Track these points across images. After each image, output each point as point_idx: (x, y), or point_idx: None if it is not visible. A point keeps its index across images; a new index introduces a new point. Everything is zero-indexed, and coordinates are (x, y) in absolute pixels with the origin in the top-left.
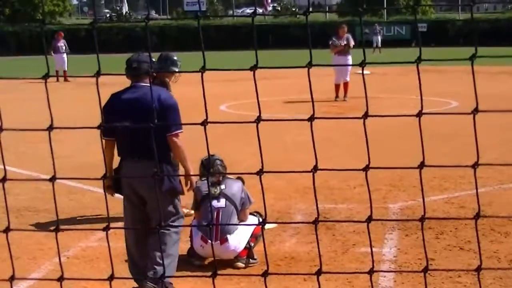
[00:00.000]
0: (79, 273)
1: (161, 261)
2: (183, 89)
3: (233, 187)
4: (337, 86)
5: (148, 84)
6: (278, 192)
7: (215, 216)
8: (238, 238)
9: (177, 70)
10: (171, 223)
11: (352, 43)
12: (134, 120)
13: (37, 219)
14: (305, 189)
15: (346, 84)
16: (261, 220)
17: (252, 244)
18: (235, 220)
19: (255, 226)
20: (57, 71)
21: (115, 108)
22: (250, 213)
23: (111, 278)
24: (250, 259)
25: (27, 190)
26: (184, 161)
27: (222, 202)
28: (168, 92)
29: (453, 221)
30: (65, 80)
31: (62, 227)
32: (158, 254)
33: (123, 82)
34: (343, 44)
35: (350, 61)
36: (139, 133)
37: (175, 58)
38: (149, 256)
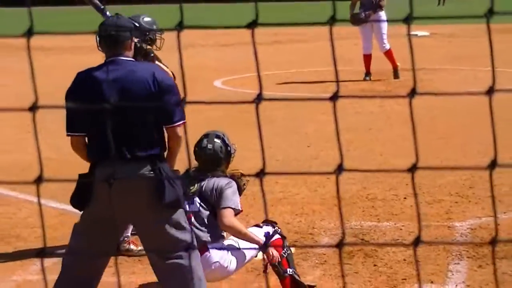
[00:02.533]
0: None
1: None
2: (166, 58)
3: (212, 185)
4: (366, 58)
5: (133, 59)
6: (297, 205)
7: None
8: (226, 252)
9: (155, 37)
10: (183, 252)
11: (384, 1)
12: (118, 109)
13: None
14: (335, 199)
15: (388, 54)
16: (272, 229)
17: (290, 270)
18: (216, 227)
19: (267, 242)
20: None
21: (87, 92)
22: (256, 225)
23: None
24: None
25: None
26: (174, 158)
27: (196, 205)
28: (162, 69)
29: None
30: None
31: None
32: None
33: (78, 46)
34: (365, 14)
35: (383, 18)
36: (127, 125)
37: (147, 18)
38: None
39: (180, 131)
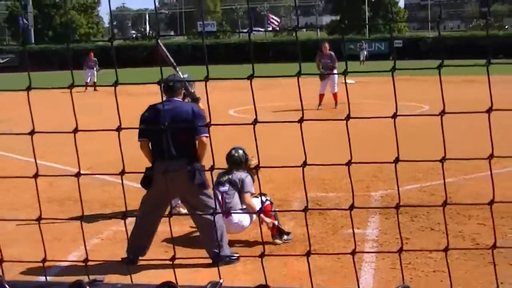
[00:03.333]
0: (111, 252)
1: (216, 243)
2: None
3: (236, 176)
4: (321, 96)
5: (181, 100)
6: (279, 183)
7: (220, 198)
8: (242, 215)
9: (193, 86)
10: (210, 211)
11: (336, 63)
12: (169, 128)
13: (77, 208)
14: (302, 180)
15: (334, 95)
16: (265, 199)
17: (276, 222)
18: (237, 201)
19: (261, 206)
20: (86, 83)
21: (153, 116)
22: (255, 196)
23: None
24: (285, 235)
25: (69, 183)
26: (202, 158)
27: (226, 187)
28: (197, 106)
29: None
30: (95, 89)
31: (96, 214)
32: (212, 237)
33: (148, 92)
34: (327, 68)
35: (335, 75)
36: (174, 136)
37: (186, 74)
38: (205, 241)
39: (205, 140)
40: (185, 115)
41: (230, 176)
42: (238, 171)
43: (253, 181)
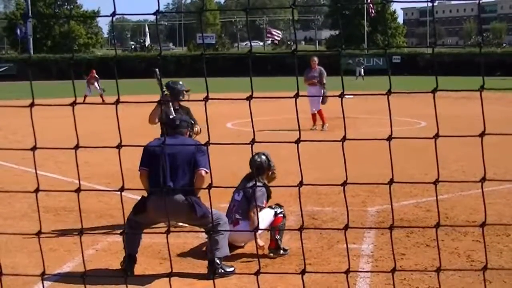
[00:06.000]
0: (106, 263)
1: (215, 255)
2: (195, 109)
3: (251, 187)
4: (313, 115)
5: (185, 137)
6: (275, 197)
7: (233, 207)
8: (249, 224)
9: (184, 95)
10: (216, 225)
11: (323, 78)
12: (174, 160)
13: (72, 218)
14: (298, 194)
15: (319, 112)
16: (279, 211)
17: (278, 237)
18: (247, 213)
19: (272, 218)
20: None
21: (157, 148)
22: (269, 206)
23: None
24: (281, 250)
25: (65, 193)
26: (198, 191)
27: (240, 196)
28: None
29: (421, 222)
30: (84, 101)
31: (92, 225)
32: (213, 250)
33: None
34: (315, 81)
35: (315, 95)
36: (174, 169)
37: (180, 83)
38: (209, 250)
39: (203, 173)
40: (188, 149)
41: (247, 185)
42: (256, 181)
43: (270, 193)
